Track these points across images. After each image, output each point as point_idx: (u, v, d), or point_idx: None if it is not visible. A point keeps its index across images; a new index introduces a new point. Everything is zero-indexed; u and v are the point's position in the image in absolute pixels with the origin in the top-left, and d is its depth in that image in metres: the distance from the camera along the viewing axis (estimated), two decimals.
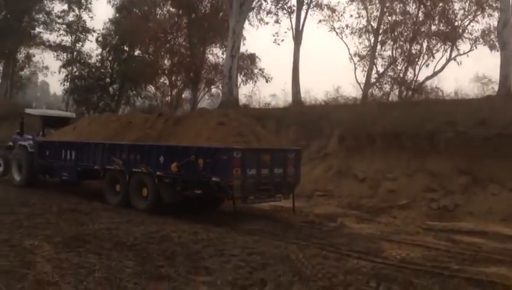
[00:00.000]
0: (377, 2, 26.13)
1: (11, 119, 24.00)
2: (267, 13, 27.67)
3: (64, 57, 37.11)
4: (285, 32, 25.98)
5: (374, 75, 25.98)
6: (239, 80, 25.59)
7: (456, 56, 24.49)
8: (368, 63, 26.12)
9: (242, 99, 23.24)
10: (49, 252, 6.75)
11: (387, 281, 5.92)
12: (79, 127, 13.70)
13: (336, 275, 6.09)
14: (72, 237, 7.74)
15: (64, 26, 38.14)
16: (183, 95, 33.18)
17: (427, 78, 24.88)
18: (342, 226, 9.44)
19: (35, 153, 13.80)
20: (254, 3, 25.49)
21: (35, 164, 13.79)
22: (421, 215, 10.21)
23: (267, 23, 28.21)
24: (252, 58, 30.33)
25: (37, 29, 39.45)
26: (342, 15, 27.03)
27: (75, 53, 36.55)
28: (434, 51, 25.27)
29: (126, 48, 34.12)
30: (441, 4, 24.58)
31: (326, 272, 6.21)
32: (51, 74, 41.87)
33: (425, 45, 25.42)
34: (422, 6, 25.13)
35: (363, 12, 26.52)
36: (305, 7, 25.17)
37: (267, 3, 27.47)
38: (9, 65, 38.18)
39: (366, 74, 25.76)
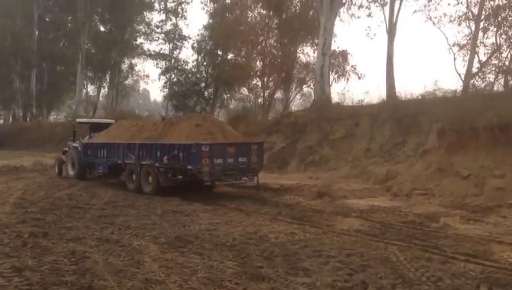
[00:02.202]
0: None
1: None
2: (359, 7, 27.19)
3: (163, 64, 39.31)
4: (379, 25, 25.48)
5: (475, 65, 24.44)
6: (331, 78, 25.32)
7: None
8: (469, 52, 24.60)
9: (334, 97, 23.05)
10: (155, 252, 7.17)
11: (500, 287, 5.53)
12: (110, 131, 17.09)
13: (441, 279, 5.80)
14: (175, 237, 8.14)
15: (163, 35, 40.42)
16: (275, 96, 33.53)
17: None
18: (446, 226, 8.93)
19: (82, 152, 17.41)
20: None
21: (82, 161, 17.39)
22: None
23: (359, 17, 27.71)
24: (343, 55, 29.92)
25: (139, 40, 42.21)
26: (438, 3, 25.75)
27: (172, 60, 38.48)
28: None
29: (220, 52, 35.30)
30: None
31: (431, 276, 5.93)
32: (151, 82, 44.98)
33: None
34: None
35: None
36: None
37: None
38: (115, 75, 41.09)
39: (467, 63, 24.27)
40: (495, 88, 22.40)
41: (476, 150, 12.22)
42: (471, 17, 24.88)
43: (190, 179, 13.39)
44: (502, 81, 23.71)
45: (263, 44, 31.98)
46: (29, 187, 15.01)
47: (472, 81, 23.89)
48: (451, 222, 9.19)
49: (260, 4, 31.44)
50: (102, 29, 43.04)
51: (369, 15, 26.76)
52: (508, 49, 24.20)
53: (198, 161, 12.68)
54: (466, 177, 11.73)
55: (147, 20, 41.90)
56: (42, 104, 44.34)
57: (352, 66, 29.90)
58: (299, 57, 31.56)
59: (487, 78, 24.47)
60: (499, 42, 24.32)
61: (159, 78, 38.50)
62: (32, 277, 5.80)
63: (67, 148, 19.07)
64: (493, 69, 24.65)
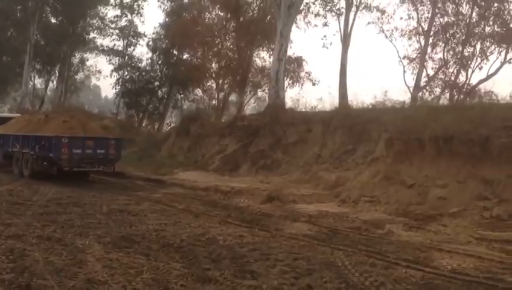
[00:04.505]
0: (428, 3, 25.47)
1: None
2: (316, 15, 27.54)
3: (116, 61, 38.30)
4: (334, 34, 25.77)
5: (423, 78, 25.36)
6: (286, 83, 25.54)
7: (511, 59, 23.48)
8: (418, 65, 25.50)
9: (288, 102, 23.21)
10: (99, 251, 6.97)
11: None
12: (8, 124, 19.12)
13: (383, 284, 5.95)
14: (121, 237, 7.95)
15: (117, 31, 39.39)
16: (229, 99, 33.48)
17: (480, 81, 24.04)
18: (390, 233, 9.20)
19: None
20: (302, 5, 25.38)
21: None
22: (472, 224, 9.78)
23: (316, 25, 28.08)
24: (298, 61, 30.23)
25: (92, 34, 40.96)
26: (391, 17, 26.55)
27: (126, 57, 37.65)
28: (488, 53, 24.36)
29: (175, 52, 34.86)
30: (496, 5, 23.68)
31: (374, 280, 6.08)
32: (103, 78, 43.37)
33: (478, 47, 24.56)
34: (476, 7, 24.28)
35: (414, 14, 25.93)
36: (353, 9, 24.88)
37: (316, 6, 27.34)
38: (65, 69, 39.75)
39: (415, 76, 25.15)
40: (441, 101, 23.32)
41: (421, 160, 12.65)
42: (421, 32, 25.83)
43: (53, 165, 15.99)
44: (447, 95, 24.73)
45: (219, 46, 31.84)
46: None
47: (420, 93, 24.77)
48: (395, 229, 9.48)
49: (218, 6, 31.33)
50: (53, 21, 41.45)
51: (325, 24, 27.18)
52: (455, 65, 25.27)
53: (58, 150, 15.33)
54: (411, 186, 12.11)
55: (101, 14, 40.75)
56: None
57: (306, 73, 30.27)
58: (255, 61, 31.64)
59: (434, 92, 25.46)
60: (446, 57, 25.36)
61: (111, 75, 37.55)
62: None
63: None
64: (440, 83, 25.67)
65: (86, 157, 15.78)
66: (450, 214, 10.38)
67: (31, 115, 20.76)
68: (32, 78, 41.10)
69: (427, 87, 25.49)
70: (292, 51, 28.50)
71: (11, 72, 42.68)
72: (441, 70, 25.70)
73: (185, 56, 34.57)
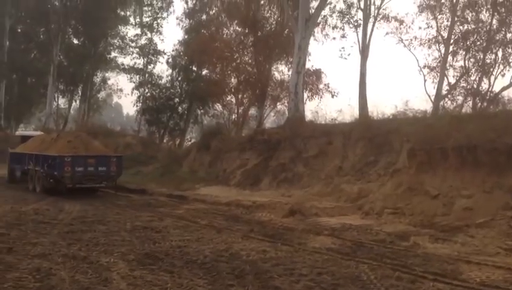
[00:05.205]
0: (448, 11, 25.28)
1: None
2: (333, 28, 27.64)
3: (137, 79, 38.98)
4: (352, 46, 25.79)
5: (445, 87, 25.11)
6: (305, 95, 25.55)
7: None
8: (439, 74, 25.24)
9: (308, 115, 23.17)
10: (124, 269, 7.01)
11: None
12: (28, 142, 20.01)
13: None
14: (145, 254, 8.00)
15: (137, 49, 40.12)
16: (249, 113, 33.59)
17: (504, 88, 23.69)
18: (415, 245, 9.04)
19: (9, 159, 20.18)
20: (319, 18, 25.48)
21: (10, 167, 20.12)
22: (500, 234, 9.56)
23: (334, 38, 28.15)
24: (317, 73, 30.25)
25: (113, 54, 41.78)
26: (410, 26, 26.44)
27: (146, 75, 38.24)
28: (510, 60, 23.98)
29: (194, 68, 35.26)
30: None
31: None
32: (125, 96, 44.08)
33: (500, 53, 24.24)
34: (496, 13, 24.00)
35: (433, 23, 25.78)
36: (371, 20, 24.88)
37: (333, 18, 27.48)
38: (87, 88, 40.51)
39: (436, 85, 24.93)
40: (464, 110, 22.99)
41: (444, 170, 12.45)
42: (441, 41, 25.61)
43: (58, 182, 16.68)
44: (470, 103, 24.39)
45: (238, 61, 32.09)
46: None
47: (441, 102, 24.49)
48: (420, 241, 9.31)
49: (236, 21, 31.65)
50: (75, 41, 42.45)
51: (343, 36, 27.30)
52: (476, 73, 24.94)
53: (62, 168, 16.17)
54: (435, 197, 11.92)
55: (121, 34, 41.63)
56: (10, 116, 43.27)
57: (325, 85, 30.25)
58: (274, 74, 31.78)
59: (456, 100, 25.14)
60: (467, 65, 25.06)
61: (132, 93, 38.18)
62: None
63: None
64: (462, 91, 25.35)
65: (88, 175, 16.58)
66: (476, 224, 10.16)
67: (46, 134, 21.50)
68: (56, 98, 42.00)
69: (449, 96, 25.25)
70: (310, 63, 28.61)
71: (36, 93, 43.82)
72: (462, 78, 25.42)
73: (204, 72, 34.96)
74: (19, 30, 43.87)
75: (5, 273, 6.61)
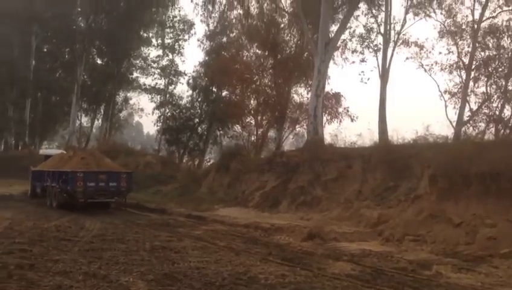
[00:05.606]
0: (468, 37, 25.18)
1: (111, 156, 25.72)
2: (353, 52, 27.75)
3: (158, 99, 39.56)
4: (371, 70, 25.79)
5: (466, 113, 24.82)
6: (324, 119, 25.56)
7: None
8: (460, 100, 25.02)
9: (327, 138, 23.12)
10: (143, 289, 7.03)
11: None
12: (48, 161, 21.11)
13: None
14: (164, 275, 8.01)
15: (159, 70, 40.81)
16: (268, 135, 33.67)
17: None
18: (438, 275, 8.85)
19: (32, 176, 21.05)
20: (339, 42, 25.62)
21: (32, 184, 21.01)
22: None
23: (353, 62, 28.22)
24: (336, 97, 30.30)
25: (135, 74, 42.60)
26: (430, 52, 26.37)
27: (167, 95, 38.79)
28: None
29: (214, 89, 35.67)
30: None
31: None
32: (146, 115, 44.70)
33: None
34: None
35: (454, 48, 25.67)
36: (391, 45, 24.91)
37: (352, 42, 27.60)
38: (109, 107, 41.21)
39: (458, 111, 24.67)
40: (486, 136, 22.68)
41: (467, 198, 12.26)
42: (462, 67, 25.47)
43: (71, 197, 17.35)
44: (492, 129, 24.05)
45: (258, 83, 32.36)
46: (17, 217, 14.82)
47: (463, 128, 24.21)
48: (443, 270, 9.13)
49: (256, 44, 32.01)
50: (99, 61, 43.42)
51: (363, 60, 27.37)
52: (499, 99, 24.67)
53: (74, 183, 16.97)
54: (458, 225, 11.72)
55: (143, 55, 42.45)
56: (35, 133, 44.16)
57: (345, 108, 30.26)
58: (293, 97, 31.94)
59: (478, 126, 24.82)
60: (489, 92, 24.82)
61: (153, 112, 38.71)
62: None
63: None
64: (484, 117, 25.03)
65: (100, 190, 17.42)
66: (501, 254, 9.95)
67: (64, 153, 22.38)
68: (79, 117, 42.81)
69: (471, 122, 24.91)
70: (330, 86, 28.67)
71: (60, 111, 44.81)
72: (484, 105, 25.12)
73: (224, 93, 35.32)
74: (45, 50, 45.12)
75: None
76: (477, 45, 24.75)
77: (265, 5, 31.20)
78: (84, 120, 45.28)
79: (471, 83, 25.02)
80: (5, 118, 41.06)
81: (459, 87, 25.68)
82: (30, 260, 8.65)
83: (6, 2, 39.13)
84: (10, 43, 39.84)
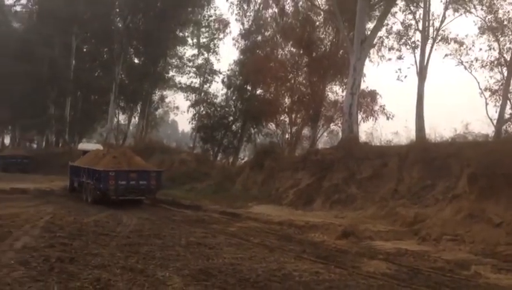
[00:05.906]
0: (510, 33, 24.39)
1: (147, 153, 26.27)
2: (389, 49, 27.28)
3: (193, 97, 40.00)
4: (409, 67, 25.29)
5: (508, 111, 24.07)
6: (359, 117, 25.24)
7: None
8: (501, 97, 24.27)
9: (362, 136, 22.82)
10: (179, 284, 7.14)
11: None
12: (84, 157, 21.77)
13: None
14: (199, 270, 8.11)
15: (194, 69, 41.26)
16: (302, 133, 33.54)
17: None
18: (477, 275, 8.64)
19: (69, 171, 21.83)
20: (375, 40, 25.24)
21: (70, 178, 21.73)
22: None
23: (389, 59, 27.75)
24: (372, 95, 29.89)
25: (171, 73, 43.23)
26: (470, 48, 25.67)
27: (202, 93, 39.15)
28: None
29: (249, 88, 35.73)
30: None
31: None
32: (181, 113, 45.26)
33: None
34: None
35: (495, 45, 24.92)
36: (430, 42, 24.36)
37: (389, 40, 27.14)
38: (146, 106, 41.95)
39: (499, 109, 23.94)
40: None
41: (508, 198, 11.90)
42: (503, 63, 24.69)
43: (103, 194, 17.99)
44: None
45: (292, 81, 32.26)
46: (58, 212, 15.31)
47: (504, 126, 23.49)
48: (482, 271, 8.91)
49: (291, 42, 31.90)
50: (136, 61, 44.27)
51: (400, 57, 26.85)
52: None
53: (106, 182, 17.63)
54: (498, 225, 11.39)
55: (179, 54, 43.02)
56: (74, 131, 45.46)
57: (380, 106, 29.80)
58: (328, 95, 31.67)
59: None
60: None
61: (188, 110, 39.14)
62: None
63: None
64: None
65: (130, 188, 18.03)
66: None
67: (100, 149, 22.96)
68: (117, 115, 43.81)
69: None
70: (365, 84, 28.28)
71: (98, 109, 46.00)
72: None
73: (259, 91, 35.31)
74: (85, 50, 46.38)
75: (68, 282, 6.90)
76: None
77: (301, 3, 31.18)
78: (122, 118, 46.35)
79: None
80: (46, 116, 42.45)
81: (500, 84, 24.96)
82: (70, 253, 8.92)
83: (49, 3, 40.45)
84: (51, 44, 41.17)
